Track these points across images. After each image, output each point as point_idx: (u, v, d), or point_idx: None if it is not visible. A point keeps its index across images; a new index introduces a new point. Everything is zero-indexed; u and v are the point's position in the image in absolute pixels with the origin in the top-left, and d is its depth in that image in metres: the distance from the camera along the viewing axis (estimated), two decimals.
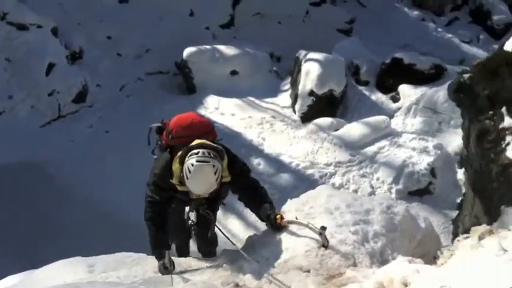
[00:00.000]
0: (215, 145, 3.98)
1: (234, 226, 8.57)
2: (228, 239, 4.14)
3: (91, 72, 12.37)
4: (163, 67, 13.34)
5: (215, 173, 3.83)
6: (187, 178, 3.81)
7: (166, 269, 3.86)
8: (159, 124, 4.52)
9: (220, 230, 4.35)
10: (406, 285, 2.59)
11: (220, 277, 3.53)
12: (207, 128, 4.27)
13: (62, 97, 11.58)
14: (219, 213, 8.76)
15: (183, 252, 4.97)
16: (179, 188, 4.03)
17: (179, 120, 4.27)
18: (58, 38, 12.25)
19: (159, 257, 3.96)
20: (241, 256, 3.84)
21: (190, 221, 4.35)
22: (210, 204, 4.29)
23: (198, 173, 3.77)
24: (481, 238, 2.86)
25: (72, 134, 11.09)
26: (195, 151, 3.83)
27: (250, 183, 4.25)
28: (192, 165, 3.78)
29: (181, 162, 3.88)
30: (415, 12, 17.02)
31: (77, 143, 10.82)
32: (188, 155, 3.84)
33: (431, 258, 3.50)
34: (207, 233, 4.50)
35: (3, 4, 11.61)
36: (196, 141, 3.94)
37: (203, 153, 3.82)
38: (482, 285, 2.27)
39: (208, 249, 4.99)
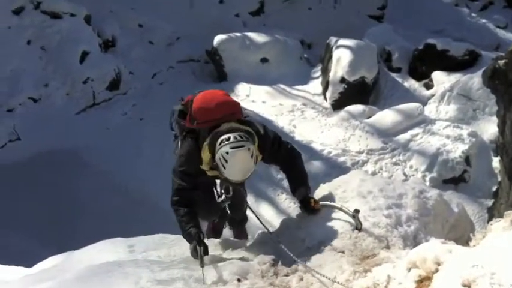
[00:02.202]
0: (245, 127, 3.75)
1: (267, 212, 8.65)
2: (261, 222, 4.12)
3: (124, 60, 12.55)
4: (194, 55, 13.45)
5: (252, 156, 3.66)
6: (224, 168, 3.62)
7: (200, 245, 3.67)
8: (181, 107, 4.23)
9: (252, 210, 4.33)
10: (439, 264, 2.62)
11: (257, 257, 3.60)
12: (234, 109, 3.95)
13: (96, 85, 11.78)
14: (251, 199, 8.90)
15: (217, 233, 4.92)
16: (209, 174, 3.88)
17: (203, 103, 3.93)
18: (91, 26, 12.46)
19: (190, 239, 3.76)
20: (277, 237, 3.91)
21: (223, 197, 4.18)
22: None
23: (235, 161, 3.59)
24: None
25: (107, 121, 11.30)
26: (226, 137, 3.60)
27: (283, 157, 4.09)
28: (227, 153, 3.56)
29: (212, 151, 3.68)
30: None
31: (112, 130, 11.02)
32: (219, 143, 3.61)
33: (464, 243, 3.51)
34: (240, 208, 4.47)
35: None
36: (224, 126, 3.69)
37: (235, 137, 3.60)
38: None
39: (240, 225, 4.93)
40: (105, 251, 4.33)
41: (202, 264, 3.48)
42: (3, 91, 10.86)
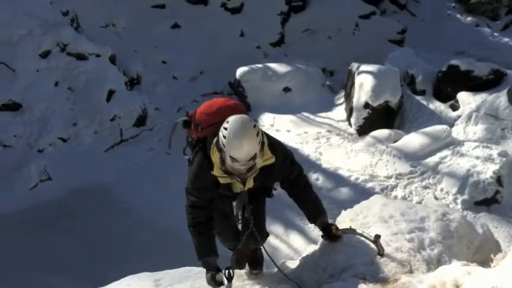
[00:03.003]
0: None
1: (296, 242, 8.58)
2: (271, 259, 4.04)
3: (149, 96, 12.77)
4: (217, 88, 13.62)
5: (255, 127, 3.44)
6: (224, 139, 3.36)
7: (215, 281, 3.67)
8: (185, 118, 4.13)
9: (265, 250, 4.20)
10: (458, 287, 2.57)
11: (280, 286, 3.59)
12: (238, 110, 3.81)
13: (123, 122, 11.99)
14: (281, 229, 8.81)
15: (241, 264, 4.68)
16: (222, 181, 3.69)
17: (205, 109, 3.88)
18: (116, 66, 12.75)
19: (206, 266, 3.75)
20: (300, 266, 3.89)
21: (239, 219, 4.02)
22: (256, 199, 4.02)
23: (236, 126, 3.36)
24: None
25: (135, 157, 11.43)
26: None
27: (296, 179, 3.97)
28: (227, 122, 3.40)
29: (219, 148, 3.49)
30: (469, 19, 16.62)
31: (140, 166, 11.12)
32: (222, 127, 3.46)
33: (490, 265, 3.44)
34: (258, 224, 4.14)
35: (62, 37, 12.18)
36: None
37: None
38: None
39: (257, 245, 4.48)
40: (132, 286, 4.37)
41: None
42: (33, 132, 11.13)
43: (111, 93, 12.13)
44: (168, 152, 11.42)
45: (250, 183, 3.82)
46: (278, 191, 4.23)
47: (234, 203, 4.12)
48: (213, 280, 3.66)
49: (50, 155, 11.06)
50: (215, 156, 3.59)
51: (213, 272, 3.68)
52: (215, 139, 3.57)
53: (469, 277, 2.56)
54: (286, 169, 3.92)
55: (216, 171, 3.63)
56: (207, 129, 3.78)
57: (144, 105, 12.41)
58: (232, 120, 3.41)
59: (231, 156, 3.40)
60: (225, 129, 3.38)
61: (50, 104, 11.50)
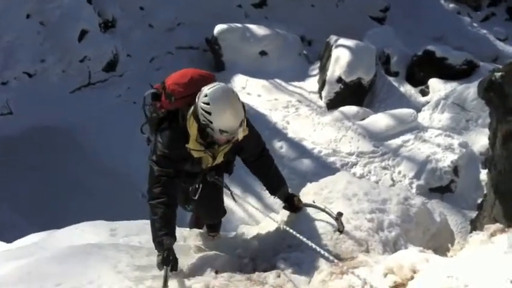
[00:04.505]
0: None
1: (252, 207, 8.64)
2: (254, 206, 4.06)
3: (122, 42, 12.42)
4: (193, 42, 13.35)
5: (239, 100, 3.34)
6: (209, 115, 3.23)
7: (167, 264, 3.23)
8: (153, 90, 3.87)
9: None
10: (415, 272, 2.65)
11: (237, 251, 3.61)
12: (210, 79, 3.63)
13: (92, 64, 11.67)
14: (238, 193, 8.81)
15: (200, 224, 4.68)
16: (195, 154, 3.54)
17: (177, 79, 3.66)
18: (92, 5, 12.29)
19: (160, 248, 3.35)
20: (259, 234, 3.91)
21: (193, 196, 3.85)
22: (218, 171, 3.91)
23: (219, 99, 3.24)
24: (492, 235, 2.90)
25: (101, 101, 11.18)
26: (207, 87, 3.32)
27: (260, 152, 3.88)
28: (206, 95, 3.24)
29: (197, 117, 3.34)
30: (451, 5, 16.70)
31: (106, 112, 10.90)
32: (198, 98, 3.32)
33: (444, 253, 3.55)
34: (214, 203, 4.12)
35: None
36: None
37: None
38: (489, 279, 2.31)
39: (213, 221, 4.44)
40: (87, 232, 4.33)
41: (165, 285, 3.11)
42: None
43: (83, 33, 11.73)
44: (135, 101, 11.24)
45: (220, 158, 3.74)
46: None
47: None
48: (163, 264, 3.25)
49: (14, 88, 10.73)
50: (193, 128, 3.44)
51: (165, 255, 3.27)
52: (190, 111, 3.44)
53: (426, 264, 2.64)
54: (255, 142, 3.85)
55: (192, 144, 3.49)
56: (180, 101, 3.57)
57: (116, 50, 12.09)
58: (212, 93, 3.27)
59: (220, 130, 3.29)
60: (207, 104, 3.26)
61: (19, 35, 11.06)
